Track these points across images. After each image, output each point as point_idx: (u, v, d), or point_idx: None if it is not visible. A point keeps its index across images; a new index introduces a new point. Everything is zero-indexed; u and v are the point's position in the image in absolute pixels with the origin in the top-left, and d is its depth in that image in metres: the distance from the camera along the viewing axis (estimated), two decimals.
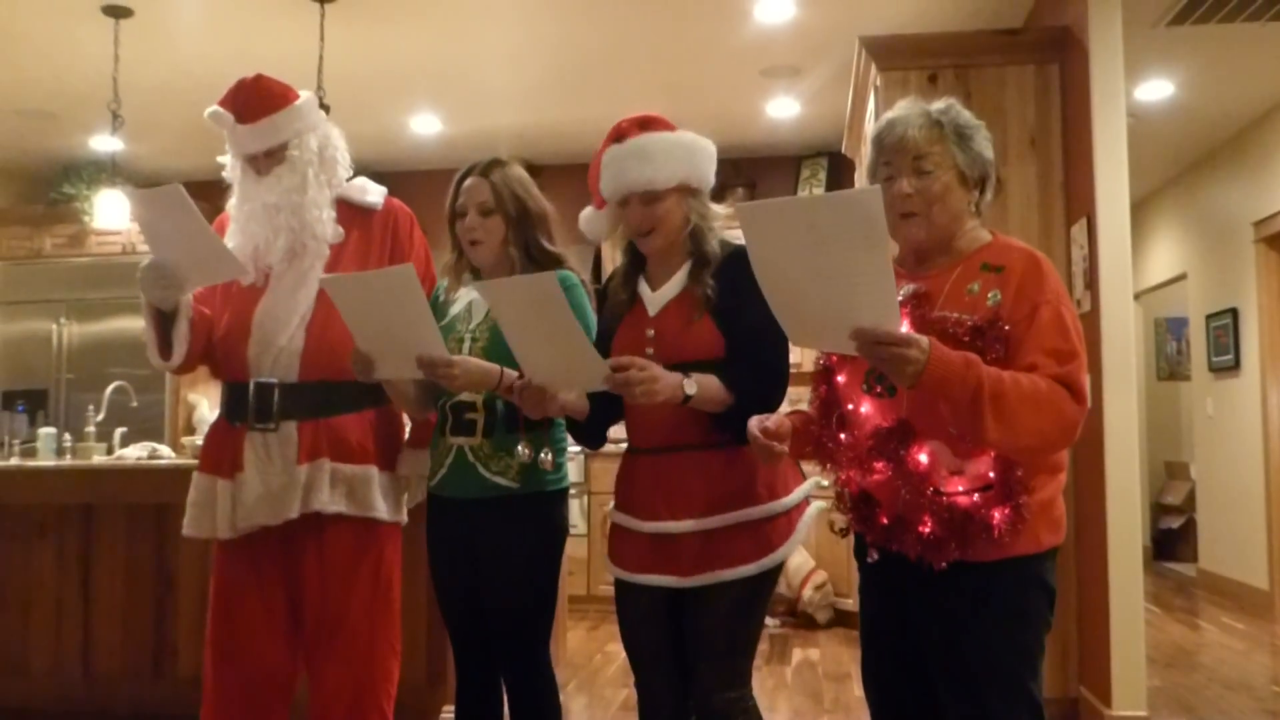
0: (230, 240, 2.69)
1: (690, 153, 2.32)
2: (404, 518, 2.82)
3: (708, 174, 2.35)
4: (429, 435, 2.77)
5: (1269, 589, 6.43)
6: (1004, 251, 1.97)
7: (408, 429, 2.90)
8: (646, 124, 2.36)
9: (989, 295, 1.90)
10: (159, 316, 2.66)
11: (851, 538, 2.14)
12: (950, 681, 1.95)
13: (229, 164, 2.77)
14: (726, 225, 2.38)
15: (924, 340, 1.72)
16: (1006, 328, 1.86)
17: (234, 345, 2.69)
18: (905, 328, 1.84)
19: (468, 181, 2.58)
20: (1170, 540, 8.78)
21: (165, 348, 2.68)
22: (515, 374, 2.35)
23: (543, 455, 2.37)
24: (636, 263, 2.42)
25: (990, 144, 2.02)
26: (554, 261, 2.55)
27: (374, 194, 2.82)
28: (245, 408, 2.67)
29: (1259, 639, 5.80)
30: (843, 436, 2.02)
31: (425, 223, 2.86)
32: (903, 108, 2.04)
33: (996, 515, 1.85)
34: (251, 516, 2.61)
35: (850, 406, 2.02)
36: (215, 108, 2.68)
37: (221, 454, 2.69)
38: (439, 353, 2.32)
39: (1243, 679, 4.91)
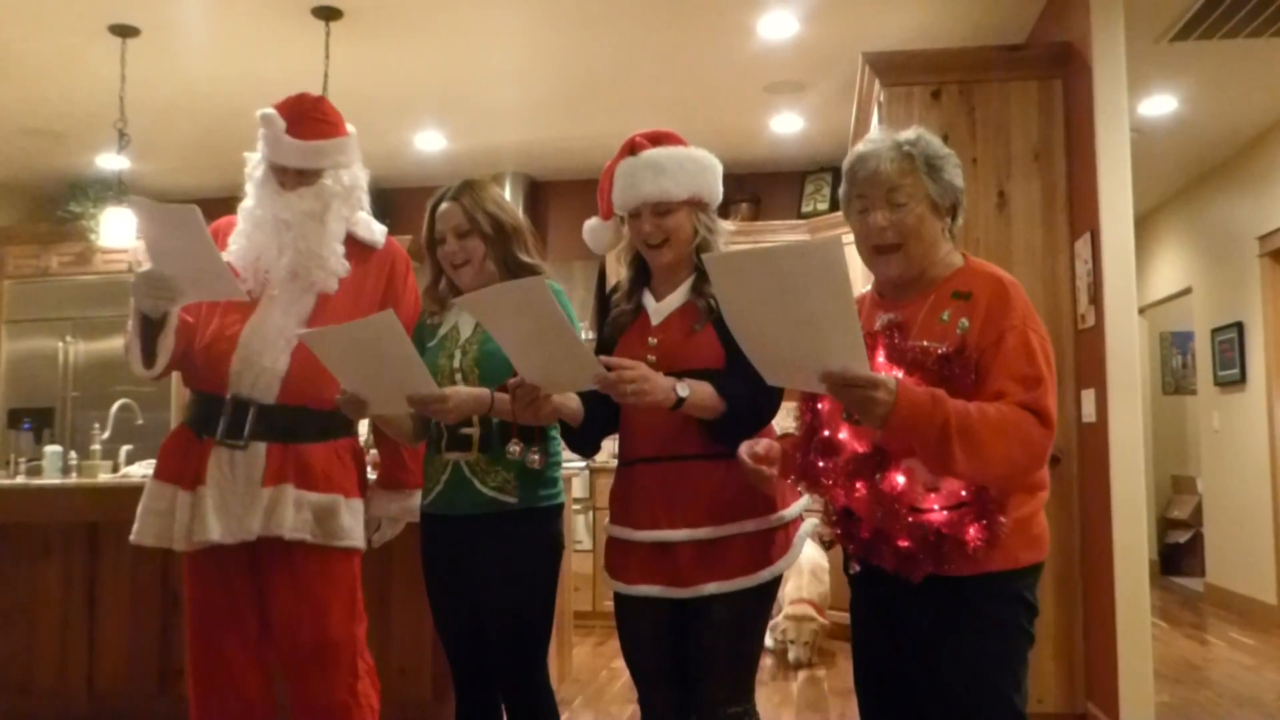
0: (234, 241, 2.69)
1: (701, 168, 2.36)
2: (365, 547, 2.79)
3: (716, 189, 2.39)
4: (400, 476, 2.79)
5: (1277, 604, 6.41)
6: (973, 277, 2.00)
7: (373, 468, 2.87)
8: (659, 139, 2.39)
9: (958, 323, 1.93)
10: (145, 324, 2.64)
11: (839, 551, 2.16)
12: (933, 691, 1.98)
13: (254, 162, 2.75)
14: (730, 241, 2.43)
15: (891, 381, 1.76)
16: (974, 356, 1.88)
17: (217, 358, 2.67)
18: (881, 358, 1.90)
19: (440, 208, 2.59)
20: (1177, 555, 8.75)
21: (149, 356, 2.65)
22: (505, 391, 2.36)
23: (532, 455, 2.33)
24: (641, 275, 2.44)
25: (960, 171, 2.04)
26: (531, 273, 2.53)
27: (377, 233, 2.83)
28: (216, 422, 2.64)
29: (1268, 654, 5.77)
30: (821, 464, 2.04)
31: None
32: (872, 140, 2.06)
33: (970, 532, 1.87)
34: (207, 532, 2.57)
35: (829, 433, 2.04)
36: (269, 110, 2.67)
37: (183, 465, 2.65)
38: (429, 389, 2.32)
39: (1252, 694, 4.88)
